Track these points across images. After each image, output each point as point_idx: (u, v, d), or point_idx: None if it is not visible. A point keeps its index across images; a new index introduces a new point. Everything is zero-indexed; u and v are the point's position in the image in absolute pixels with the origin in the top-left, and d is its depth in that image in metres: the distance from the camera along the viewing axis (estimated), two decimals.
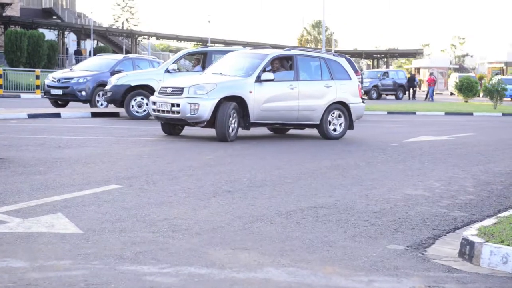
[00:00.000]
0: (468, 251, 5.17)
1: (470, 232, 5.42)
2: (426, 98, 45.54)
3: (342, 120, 14.40)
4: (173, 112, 12.69)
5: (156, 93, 13.45)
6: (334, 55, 15.17)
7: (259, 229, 5.77)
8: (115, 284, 4.15)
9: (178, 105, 12.58)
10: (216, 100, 12.57)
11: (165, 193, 7.24)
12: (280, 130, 15.21)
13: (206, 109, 12.49)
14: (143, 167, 9.09)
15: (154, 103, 13.14)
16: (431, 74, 48.03)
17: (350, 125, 14.56)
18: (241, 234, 5.59)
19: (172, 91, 12.89)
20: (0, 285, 4.04)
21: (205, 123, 12.70)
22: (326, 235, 5.65)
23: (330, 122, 14.24)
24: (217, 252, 5.00)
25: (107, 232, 5.43)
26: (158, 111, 12.98)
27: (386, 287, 4.36)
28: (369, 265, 4.84)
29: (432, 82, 45.00)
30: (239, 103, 12.96)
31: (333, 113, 14.27)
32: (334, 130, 14.32)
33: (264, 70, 13.32)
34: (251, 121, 13.12)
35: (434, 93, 47.46)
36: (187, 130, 14.38)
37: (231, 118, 12.70)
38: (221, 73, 13.54)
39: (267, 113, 13.28)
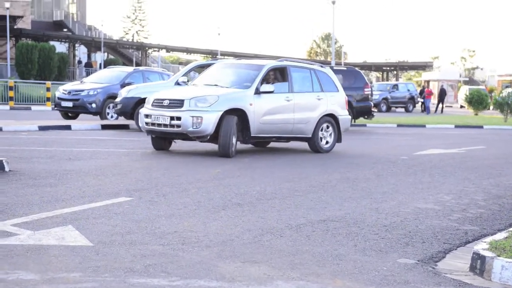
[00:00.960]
0: (479, 265, 5.14)
1: (481, 246, 5.39)
2: (435, 110, 45.47)
3: (331, 133, 14.17)
4: (172, 125, 11.94)
5: (148, 106, 12.54)
6: (321, 66, 14.79)
7: (269, 242, 5.76)
8: None
9: (179, 118, 11.86)
10: (220, 113, 11.96)
11: (175, 205, 7.25)
12: (261, 143, 14.72)
13: (210, 122, 11.86)
14: (153, 179, 9.11)
15: (147, 116, 12.29)
16: (428, 86, 47.07)
17: (338, 138, 14.37)
18: (251, 247, 5.58)
19: (169, 103, 12.09)
20: None
21: (208, 137, 12.11)
22: (336, 249, 5.64)
23: (321, 135, 14.00)
24: (227, 265, 4.99)
25: (117, 245, 5.44)
26: (153, 124, 12.15)
27: None
28: (379, 279, 4.82)
29: (429, 94, 43.92)
30: (239, 116, 12.46)
31: (324, 126, 14.02)
32: (325, 143, 14.07)
33: (261, 82, 12.97)
34: (251, 135, 12.68)
35: (444, 105, 47.34)
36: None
37: (234, 132, 12.17)
38: (216, 85, 13.01)
39: (266, 126, 12.86)
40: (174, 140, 13.19)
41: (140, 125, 12.80)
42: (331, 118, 14.12)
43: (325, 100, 14.03)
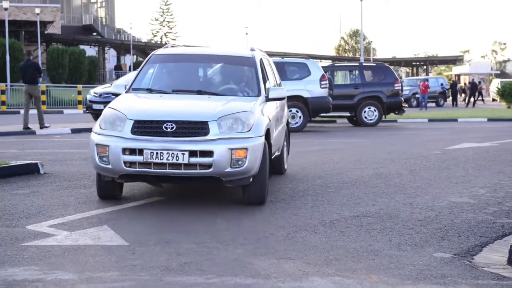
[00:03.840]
0: None
1: None
2: (467, 104, 44.97)
3: (286, 145, 10.22)
4: (192, 165, 6.79)
5: (118, 132, 6.99)
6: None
7: (303, 239, 5.76)
8: None
9: (208, 153, 6.80)
10: (263, 140, 7.19)
11: (208, 204, 7.27)
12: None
13: (256, 156, 7.02)
14: None
15: (129, 151, 6.86)
16: (426, 80, 43.48)
17: (288, 150, 10.60)
18: (285, 244, 5.58)
19: (179, 127, 6.89)
20: None
21: (250, 180, 7.15)
22: (370, 244, 5.61)
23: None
24: (262, 262, 5.00)
25: (152, 244, 5.48)
26: (148, 165, 6.80)
27: None
28: (415, 273, 4.79)
29: (425, 89, 39.45)
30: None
31: (284, 137, 9.88)
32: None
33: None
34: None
35: (476, 99, 46.72)
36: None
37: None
38: (199, 91, 8.07)
39: (273, 148, 8.41)
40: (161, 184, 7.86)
41: (100, 164, 6.97)
42: (286, 126, 10.18)
43: (286, 101, 10.08)
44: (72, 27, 65.31)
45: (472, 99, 45.31)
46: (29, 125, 17.71)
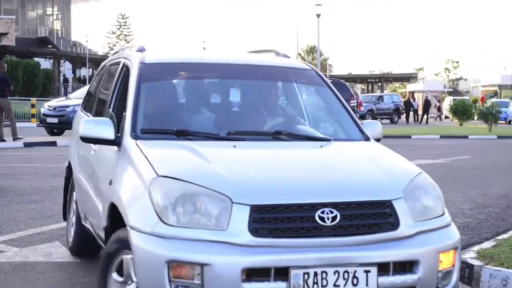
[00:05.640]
0: (467, 274, 5.15)
1: (469, 255, 5.42)
2: (420, 121, 45.73)
3: None
4: None
5: (205, 231, 3.28)
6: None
7: None
8: None
9: (410, 265, 3.51)
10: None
11: None
12: None
13: (460, 260, 4.06)
14: None
15: (255, 273, 3.23)
16: (356, 94, 44.44)
17: None
18: None
19: (343, 217, 3.43)
20: None
21: None
22: None
23: None
24: None
25: None
26: None
27: None
28: None
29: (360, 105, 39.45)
30: None
31: None
32: None
33: None
34: None
35: (429, 116, 47.56)
36: None
37: None
38: (277, 133, 4.38)
39: None
40: None
41: None
42: None
43: None
44: (27, 39, 64.39)
45: (425, 116, 46.12)
46: (5, 138, 17.74)
